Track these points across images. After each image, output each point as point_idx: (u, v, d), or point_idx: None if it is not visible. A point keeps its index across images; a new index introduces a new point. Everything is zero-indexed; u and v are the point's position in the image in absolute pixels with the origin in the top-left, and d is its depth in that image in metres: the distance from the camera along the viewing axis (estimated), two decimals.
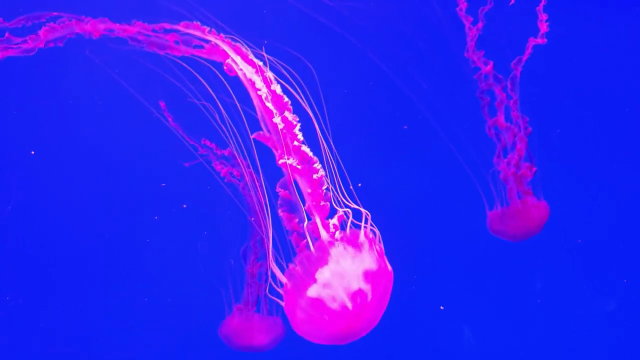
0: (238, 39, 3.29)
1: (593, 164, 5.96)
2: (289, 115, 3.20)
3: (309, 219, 3.15)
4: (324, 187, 3.15)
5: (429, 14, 5.32)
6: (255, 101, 3.22)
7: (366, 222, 3.15)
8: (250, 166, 3.50)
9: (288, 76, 3.27)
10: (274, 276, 3.16)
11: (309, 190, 3.15)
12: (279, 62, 3.28)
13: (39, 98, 5.21)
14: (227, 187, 4.40)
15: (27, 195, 5.31)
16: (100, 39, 3.36)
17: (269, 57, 3.25)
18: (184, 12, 3.38)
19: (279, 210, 3.23)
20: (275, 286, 3.15)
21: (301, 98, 3.28)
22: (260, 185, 3.39)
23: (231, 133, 3.48)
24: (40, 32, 3.24)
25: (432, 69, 5.55)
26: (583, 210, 6.01)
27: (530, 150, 4.82)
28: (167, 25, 3.23)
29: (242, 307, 4.60)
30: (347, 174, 3.29)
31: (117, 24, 3.22)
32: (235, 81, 3.31)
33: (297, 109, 3.25)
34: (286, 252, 3.23)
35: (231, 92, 3.34)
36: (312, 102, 3.30)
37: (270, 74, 3.23)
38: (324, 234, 3.11)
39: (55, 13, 3.29)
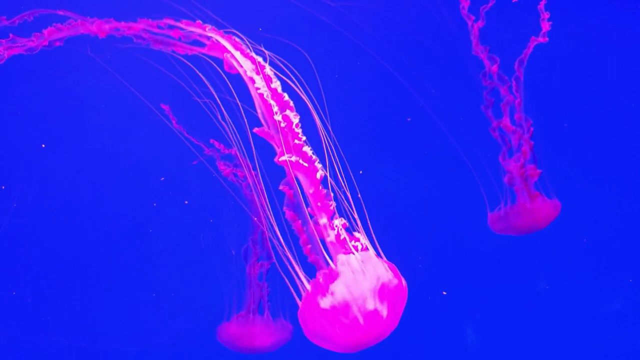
0: (238, 34, 3.30)
1: (597, 163, 5.95)
2: (290, 114, 3.19)
3: (313, 221, 3.14)
4: (326, 191, 3.14)
5: (431, 11, 5.33)
6: (256, 99, 3.22)
7: (374, 235, 3.15)
8: (254, 166, 3.50)
9: (289, 73, 3.28)
10: (282, 279, 3.16)
11: (312, 191, 3.15)
12: (279, 58, 3.28)
13: (39, 99, 5.23)
14: (230, 187, 4.40)
15: (31, 193, 5.32)
16: (102, 38, 3.37)
17: (270, 53, 3.26)
18: (184, 10, 3.39)
19: (285, 211, 3.23)
20: (293, 292, 3.14)
21: (300, 91, 3.27)
22: (264, 185, 3.38)
23: (233, 132, 3.48)
24: (45, 32, 3.26)
25: (434, 66, 5.56)
26: (588, 210, 6.00)
27: (536, 149, 4.82)
28: (172, 22, 3.23)
29: (243, 310, 4.58)
30: (351, 171, 3.29)
31: (123, 22, 3.23)
32: (238, 80, 3.31)
33: (299, 107, 3.25)
34: (285, 253, 3.23)
35: (233, 90, 3.35)
36: (314, 99, 3.30)
37: (269, 71, 3.23)
38: (331, 236, 3.10)
39: (61, 12, 3.30)
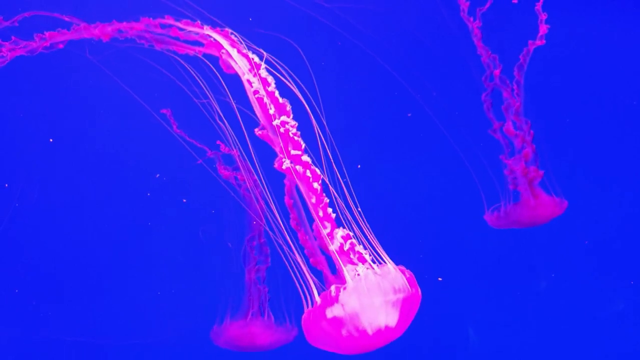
0: (235, 34, 3.30)
1: (598, 163, 5.94)
2: (289, 121, 3.16)
3: (316, 230, 3.11)
4: (328, 200, 3.11)
5: (431, 11, 5.34)
6: (254, 104, 3.20)
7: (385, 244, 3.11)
8: (254, 168, 3.49)
9: (286, 75, 3.28)
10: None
11: (313, 200, 3.11)
12: (275, 59, 3.28)
13: (40, 100, 5.26)
14: (230, 188, 4.41)
15: (33, 192, 5.35)
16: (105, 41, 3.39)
17: (268, 55, 3.26)
18: (181, 10, 3.40)
19: (292, 223, 3.22)
20: (301, 294, 3.10)
21: (297, 92, 3.27)
22: (263, 187, 3.37)
23: (234, 134, 3.49)
24: (47, 34, 3.29)
25: (434, 66, 5.56)
26: (589, 211, 5.99)
27: (537, 150, 4.83)
28: (172, 21, 3.24)
29: (242, 311, 4.58)
30: (351, 172, 3.28)
31: (125, 23, 3.24)
32: (240, 83, 3.31)
33: (297, 107, 3.25)
34: (287, 255, 3.22)
35: (228, 92, 3.35)
36: (312, 99, 3.30)
37: (266, 72, 3.22)
38: (335, 246, 3.07)
39: (66, 17, 3.33)
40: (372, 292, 2.95)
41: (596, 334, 6.08)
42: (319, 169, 3.16)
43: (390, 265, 3.08)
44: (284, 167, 3.12)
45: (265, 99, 3.15)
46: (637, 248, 6.02)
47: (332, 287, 3.00)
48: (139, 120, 4.57)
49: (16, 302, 5.48)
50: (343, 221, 3.15)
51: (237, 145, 3.50)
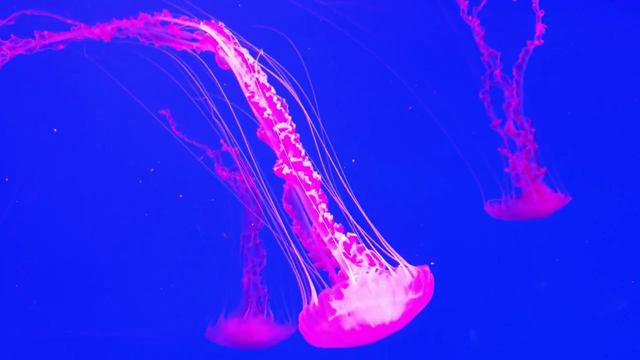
0: (233, 33, 3.30)
1: (599, 163, 5.94)
2: (287, 126, 3.14)
3: (314, 233, 3.09)
4: (327, 208, 3.08)
5: (429, 8, 5.35)
6: (253, 109, 3.17)
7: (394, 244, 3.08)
8: (253, 171, 3.47)
9: (283, 76, 3.27)
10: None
11: (314, 207, 3.05)
12: (272, 58, 3.28)
13: (39, 99, 5.27)
14: (229, 188, 4.41)
15: (32, 189, 5.36)
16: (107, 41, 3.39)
17: (268, 58, 3.25)
18: (178, 7, 3.40)
19: (293, 228, 3.19)
20: (304, 297, 3.07)
21: (294, 88, 3.26)
22: (263, 188, 3.36)
23: (230, 134, 3.48)
24: (46, 33, 3.30)
25: (434, 65, 5.57)
26: (589, 210, 5.99)
27: (538, 149, 4.84)
28: (170, 17, 3.24)
29: (239, 312, 4.57)
30: (346, 173, 3.26)
31: (125, 20, 3.24)
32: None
33: (296, 108, 3.24)
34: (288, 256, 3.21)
35: (223, 92, 3.35)
36: (308, 100, 3.29)
37: (264, 80, 3.19)
38: (338, 250, 3.02)
39: (69, 21, 3.34)
40: (377, 293, 2.91)
41: (596, 334, 6.07)
42: (317, 169, 3.14)
43: (401, 264, 3.05)
44: (283, 172, 3.11)
45: (263, 104, 3.12)
46: (637, 247, 6.02)
47: (334, 287, 2.95)
48: (138, 119, 4.58)
49: (16, 301, 5.49)
50: (349, 224, 3.13)
51: (236, 145, 3.50)
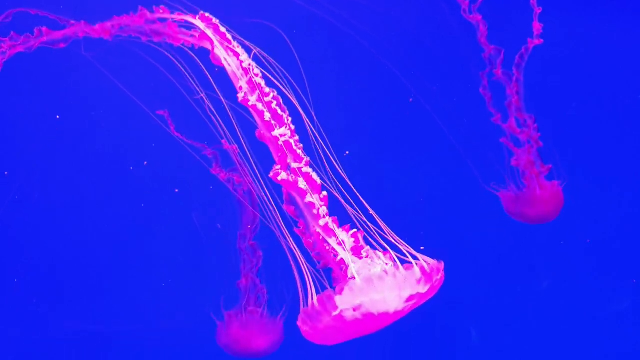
0: (232, 31, 3.29)
1: (600, 162, 5.94)
2: (288, 132, 3.11)
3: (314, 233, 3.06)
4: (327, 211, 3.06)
5: (429, 7, 5.35)
6: (252, 113, 3.15)
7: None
8: (252, 171, 3.45)
9: (280, 77, 3.25)
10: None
11: (314, 212, 3.06)
12: (268, 57, 3.26)
13: (39, 98, 5.27)
14: (229, 188, 4.41)
15: (33, 186, 5.36)
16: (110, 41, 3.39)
17: (261, 52, 3.24)
18: (174, 4, 3.39)
19: (297, 231, 3.17)
20: (301, 302, 3.05)
21: (291, 93, 3.25)
22: (263, 191, 3.33)
23: (229, 133, 3.47)
24: (44, 29, 3.30)
25: (434, 64, 5.56)
26: (591, 210, 5.99)
27: (540, 148, 4.84)
28: (167, 13, 3.22)
29: (237, 313, 4.54)
30: (345, 173, 3.24)
31: (125, 16, 3.22)
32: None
33: (295, 108, 3.22)
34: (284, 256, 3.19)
35: (218, 91, 3.33)
36: (305, 99, 3.27)
37: (260, 80, 3.17)
38: (340, 252, 3.00)
39: (74, 23, 3.33)
40: (382, 289, 2.89)
41: (598, 334, 6.06)
42: (317, 167, 3.13)
43: (409, 257, 3.03)
44: (279, 178, 3.07)
45: (260, 107, 3.08)
46: (638, 247, 6.01)
47: (339, 285, 2.94)
48: (138, 119, 4.58)
49: (16, 301, 5.48)
50: (354, 220, 3.11)
51: (236, 142, 3.48)
